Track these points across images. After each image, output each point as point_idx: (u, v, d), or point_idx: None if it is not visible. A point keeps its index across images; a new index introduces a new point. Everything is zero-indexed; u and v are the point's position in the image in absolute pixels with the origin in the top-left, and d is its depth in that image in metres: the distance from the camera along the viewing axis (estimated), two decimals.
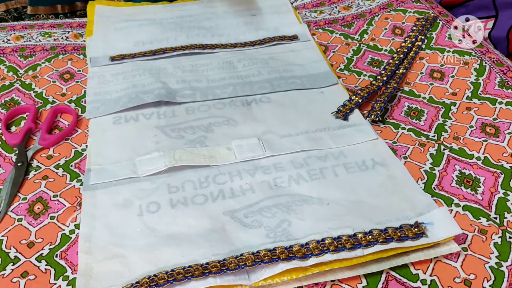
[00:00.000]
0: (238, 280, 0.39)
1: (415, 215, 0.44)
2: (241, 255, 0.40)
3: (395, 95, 0.60)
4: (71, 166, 0.51)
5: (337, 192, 0.47)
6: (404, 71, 0.63)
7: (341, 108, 0.57)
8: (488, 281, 0.40)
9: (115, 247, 0.42)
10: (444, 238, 0.41)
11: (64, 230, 0.45)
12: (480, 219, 0.45)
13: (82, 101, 0.60)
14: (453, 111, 0.57)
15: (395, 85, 0.60)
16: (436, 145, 0.53)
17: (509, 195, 0.47)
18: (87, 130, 0.55)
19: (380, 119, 0.56)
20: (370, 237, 0.41)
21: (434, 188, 0.48)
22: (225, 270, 0.39)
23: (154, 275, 0.39)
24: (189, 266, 0.39)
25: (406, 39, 0.68)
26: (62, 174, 0.50)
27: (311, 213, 0.45)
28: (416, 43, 0.67)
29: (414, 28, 0.70)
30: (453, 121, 0.56)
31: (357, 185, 0.48)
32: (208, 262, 0.39)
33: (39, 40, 0.69)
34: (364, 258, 0.40)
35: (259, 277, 0.39)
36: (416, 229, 0.42)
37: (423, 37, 0.68)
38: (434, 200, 0.46)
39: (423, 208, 0.45)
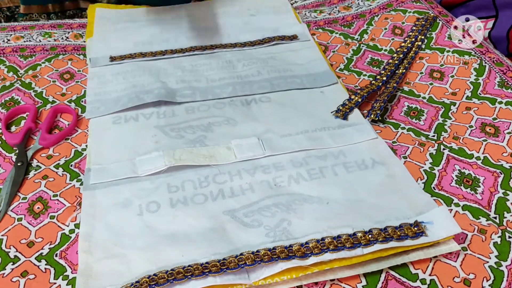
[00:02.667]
0: (238, 279, 0.39)
1: (414, 214, 0.44)
2: (241, 254, 0.40)
3: (395, 95, 0.60)
4: (71, 165, 0.51)
5: (337, 191, 0.47)
6: (404, 71, 0.63)
7: (341, 108, 0.57)
8: (487, 280, 0.40)
9: (115, 246, 0.42)
10: (443, 237, 0.41)
11: (64, 229, 0.45)
12: (479, 218, 0.45)
13: (82, 101, 0.60)
14: (453, 111, 0.57)
15: (394, 85, 0.60)
16: (436, 144, 0.53)
17: (508, 194, 0.47)
18: (87, 130, 0.55)
19: (380, 118, 0.56)
20: (369, 236, 0.41)
21: (433, 187, 0.48)
22: (225, 270, 0.39)
23: (154, 275, 0.39)
24: (189, 266, 0.39)
25: (406, 39, 0.68)
26: (62, 174, 0.50)
27: (310, 212, 0.45)
28: (416, 43, 0.67)
29: (414, 28, 0.70)
30: (452, 121, 0.56)
31: (357, 184, 0.48)
32: (208, 261, 0.39)
33: (39, 40, 0.69)
34: (363, 257, 0.40)
35: (259, 276, 0.39)
36: (415, 228, 0.42)
37: (423, 37, 0.68)
38: (434, 200, 0.46)
39: (422, 207, 0.45)
